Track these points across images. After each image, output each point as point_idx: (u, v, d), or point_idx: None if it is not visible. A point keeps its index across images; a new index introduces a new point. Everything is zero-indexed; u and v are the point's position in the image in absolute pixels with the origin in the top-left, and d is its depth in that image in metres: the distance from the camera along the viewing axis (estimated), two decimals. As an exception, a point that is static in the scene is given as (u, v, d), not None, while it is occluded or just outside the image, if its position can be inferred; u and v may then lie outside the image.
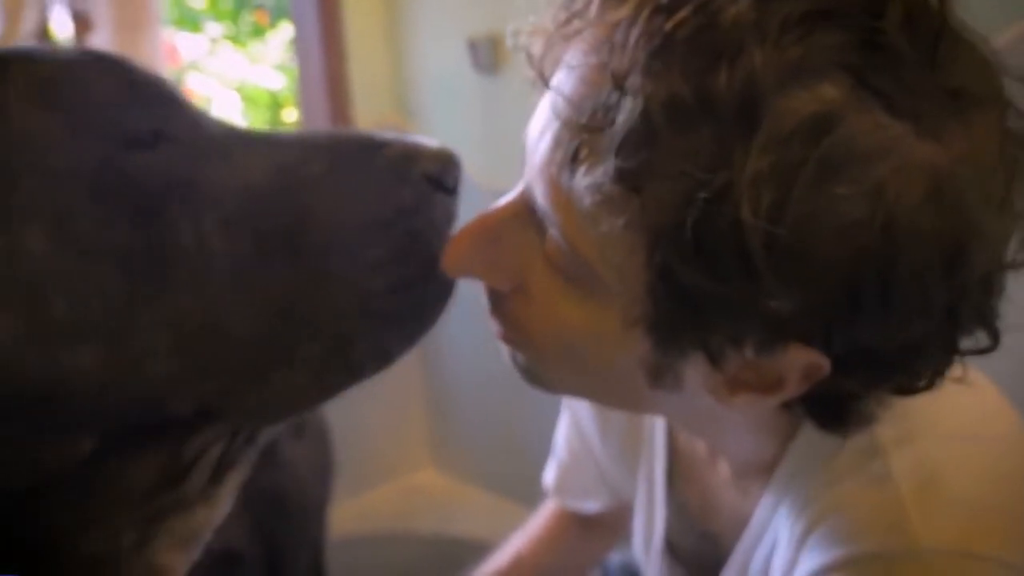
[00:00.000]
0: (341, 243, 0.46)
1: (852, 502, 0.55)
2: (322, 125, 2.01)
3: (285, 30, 3.08)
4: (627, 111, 0.42)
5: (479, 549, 1.09)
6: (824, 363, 0.46)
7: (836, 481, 0.56)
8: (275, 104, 3.19)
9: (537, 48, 0.50)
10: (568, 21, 0.48)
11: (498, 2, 1.79)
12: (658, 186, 0.42)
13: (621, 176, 0.43)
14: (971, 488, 0.54)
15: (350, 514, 1.78)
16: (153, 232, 0.43)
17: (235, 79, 3.19)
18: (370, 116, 2.00)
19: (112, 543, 0.44)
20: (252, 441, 0.48)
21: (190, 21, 3.20)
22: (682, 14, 0.41)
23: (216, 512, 0.47)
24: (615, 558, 1.05)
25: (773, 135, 0.40)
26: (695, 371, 0.50)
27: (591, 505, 0.92)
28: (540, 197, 0.49)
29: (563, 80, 0.47)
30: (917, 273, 0.42)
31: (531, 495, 1.91)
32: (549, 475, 0.95)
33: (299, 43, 2.07)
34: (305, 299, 0.45)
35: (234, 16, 3.32)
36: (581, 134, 0.44)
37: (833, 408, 0.51)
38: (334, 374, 0.46)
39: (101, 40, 1.79)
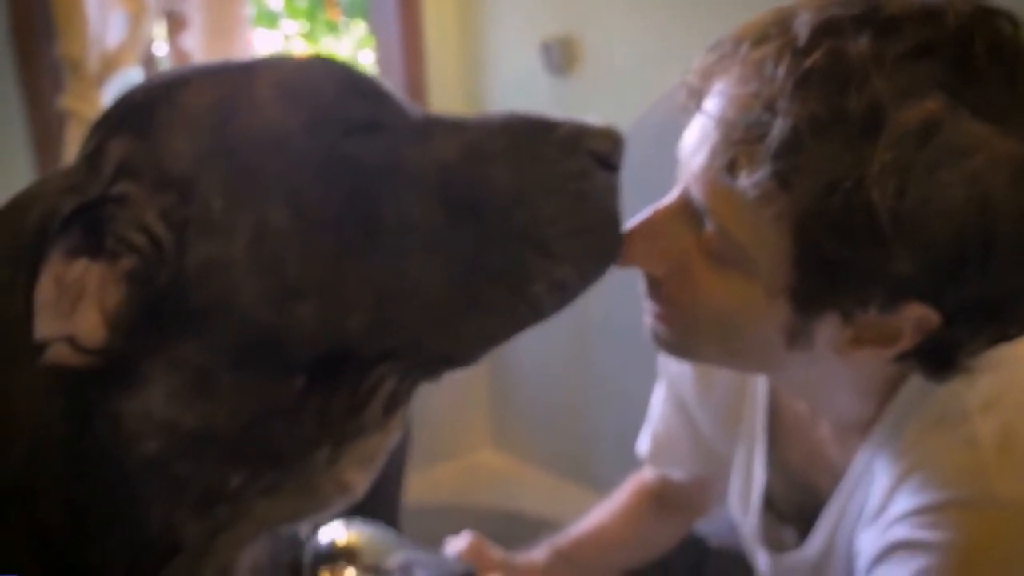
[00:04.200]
0: (518, 204, 0.52)
1: (941, 458, 0.65)
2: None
3: (357, 27, 3.21)
4: (778, 127, 0.55)
5: (538, 524, 1.17)
6: (934, 316, 0.58)
7: (928, 439, 0.67)
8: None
9: (695, 81, 0.63)
10: (720, 60, 0.61)
11: (571, 5, 1.87)
12: (805, 181, 0.54)
13: (776, 175, 0.56)
14: None
15: (411, 488, 1.87)
16: (363, 205, 0.49)
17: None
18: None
19: (310, 461, 0.50)
20: (418, 381, 0.54)
21: (268, 19, 3.34)
22: (817, 54, 0.55)
23: (389, 438, 0.54)
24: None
25: (893, 138, 0.52)
26: (825, 331, 0.62)
27: (680, 473, 1.01)
28: (699, 196, 0.61)
29: (717, 105, 0.61)
30: (1009, 238, 0.55)
31: (588, 475, 2.01)
32: (643, 444, 1.03)
33: (379, 42, 2.15)
34: (489, 253, 0.51)
35: (309, 15, 3.45)
36: (737, 146, 0.57)
37: (939, 357, 0.62)
38: (516, 311, 0.52)
39: (193, 39, 1.90)
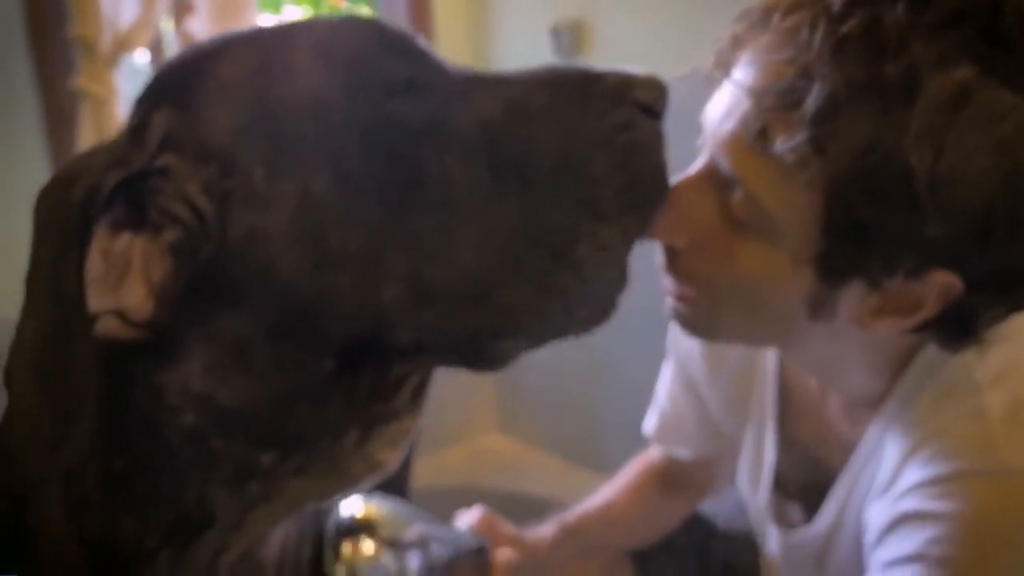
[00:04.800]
0: (566, 162, 0.50)
1: (951, 430, 0.66)
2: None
3: (362, 13, 3.20)
4: (816, 93, 0.56)
5: (544, 506, 1.18)
6: (958, 283, 0.59)
7: (938, 412, 0.67)
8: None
9: (723, 51, 0.63)
10: (749, 29, 0.61)
11: (581, -10, 1.87)
12: (841, 145, 0.55)
13: (812, 141, 0.56)
14: None
15: (419, 471, 1.87)
16: (405, 168, 0.48)
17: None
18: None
19: (339, 444, 0.51)
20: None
21: (272, 3, 3.34)
22: (853, 21, 0.56)
23: (419, 419, 0.54)
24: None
25: (928, 104, 0.53)
26: (849, 301, 0.62)
27: (685, 452, 1.02)
28: (728, 165, 0.61)
29: (748, 73, 0.60)
30: None
31: (593, 459, 2.02)
32: (650, 423, 1.04)
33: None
34: (534, 214, 0.49)
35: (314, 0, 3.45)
36: (769, 113, 0.57)
37: (959, 326, 0.63)
38: (558, 278, 0.50)
39: (200, 24, 1.90)
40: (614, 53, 1.84)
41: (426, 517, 0.84)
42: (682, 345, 0.96)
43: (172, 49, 1.93)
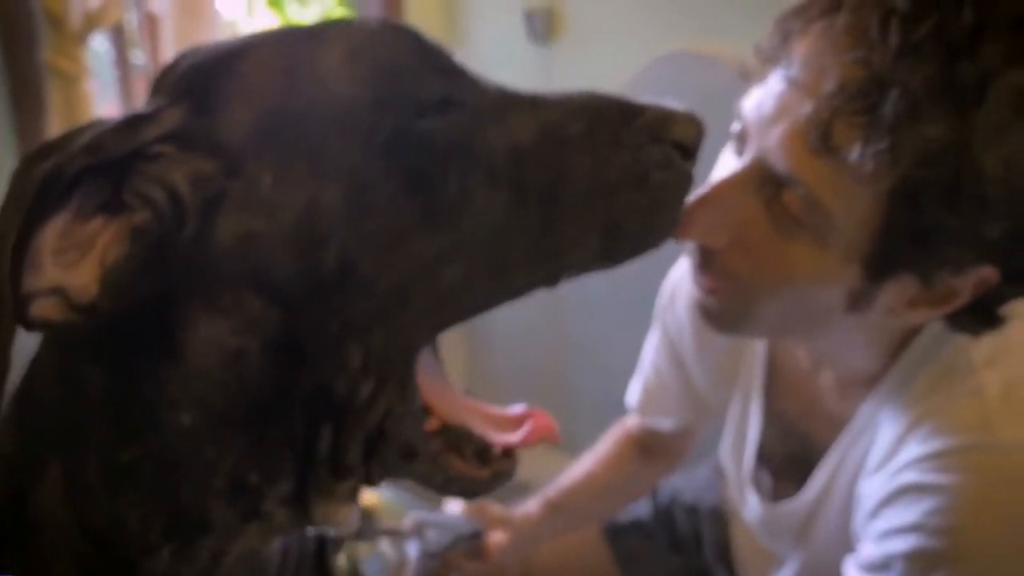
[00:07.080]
0: (594, 194, 0.49)
1: (949, 408, 0.68)
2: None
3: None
4: (894, 98, 0.55)
5: (517, 488, 1.20)
6: (995, 276, 0.60)
7: (936, 392, 0.69)
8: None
9: (770, 49, 0.62)
10: (805, 24, 0.60)
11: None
12: (916, 150, 0.54)
13: (893, 146, 0.55)
14: None
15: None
16: (425, 186, 0.46)
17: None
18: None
19: (307, 482, 0.50)
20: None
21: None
22: (927, 24, 0.55)
23: (354, 513, 0.53)
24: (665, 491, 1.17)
25: (998, 105, 0.54)
26: (888, 294, 0.63)
27: (666, 423, 1.03)
28: (785, 166, 0.61)
29: (809, 73, 0.58)
30: None
31: (564, 441, 2.02)
32: (633, 394, 1.06)
33: (357, 10, 2.14)
34: (545, 247, 0.49)
35: (275, -21, 3.38)
36: (839, 116, 0.56)
37: (983, 313, 0.64)
38: (530, 290, 0.51)
39: (163, 6, 1.87)
40: (587, 38, 1.85)
41: (420, 504, 0.86)
42: (669, 318, 0.97)
43: (133, 26, 1.90)
